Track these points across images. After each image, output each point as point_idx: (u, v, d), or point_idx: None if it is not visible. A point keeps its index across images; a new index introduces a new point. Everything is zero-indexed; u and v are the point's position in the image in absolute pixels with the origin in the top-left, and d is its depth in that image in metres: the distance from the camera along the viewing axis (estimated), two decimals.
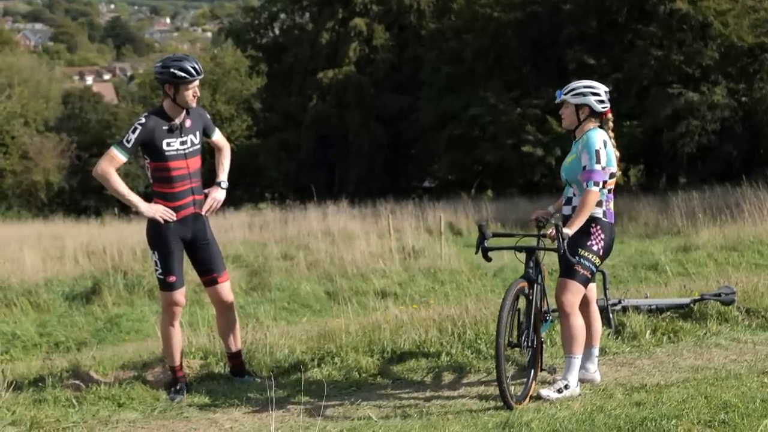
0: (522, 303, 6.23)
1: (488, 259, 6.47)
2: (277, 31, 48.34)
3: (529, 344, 6.19)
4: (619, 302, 8.04)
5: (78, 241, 20.48)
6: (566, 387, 6.17)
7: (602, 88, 6.36)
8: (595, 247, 6.21)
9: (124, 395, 6.61)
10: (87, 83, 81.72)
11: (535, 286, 6.27)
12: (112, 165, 6.43)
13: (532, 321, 6.22)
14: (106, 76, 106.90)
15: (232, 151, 7.15)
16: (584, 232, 6.22)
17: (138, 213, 6.66)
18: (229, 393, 6.68)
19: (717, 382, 6.22)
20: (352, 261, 15.93)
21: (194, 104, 6.53)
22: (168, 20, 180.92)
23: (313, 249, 17.91)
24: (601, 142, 6.21)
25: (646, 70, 32.95)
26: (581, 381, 6.33)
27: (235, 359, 7.07)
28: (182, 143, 6.51)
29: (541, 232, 6.44)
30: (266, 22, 48.00)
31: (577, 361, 6.24)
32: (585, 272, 6.19)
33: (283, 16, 47.86)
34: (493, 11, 37.90)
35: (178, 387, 6.73)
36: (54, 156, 45.57)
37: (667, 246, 15.74)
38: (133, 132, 6.42)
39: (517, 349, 6.24)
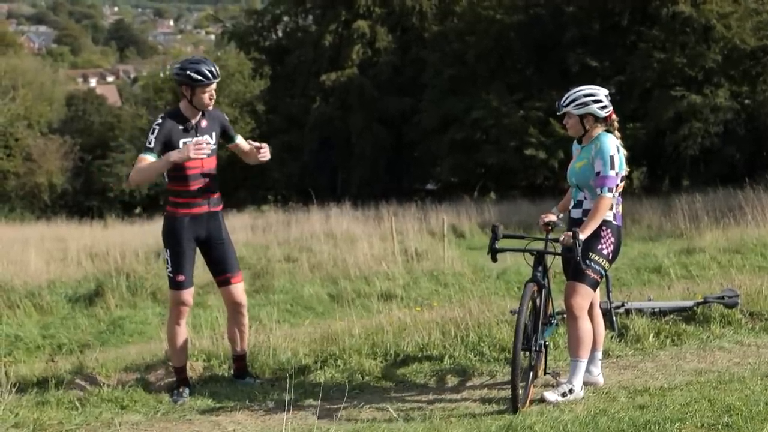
0: (529, 306, 6.23)
1: (494, 260, 6.47)
2: (280, 34, 48.31)
3: (537, 348, 6.21)
4: (623, 305, 8.04)
5: (81, 243, 20.46)
6: (571, 391, 6.16)
7: (603, 92, 6.32)
8: (605, 251, 6.22)
9: (127, 398, 6.61)
10: (90, 85, 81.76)
11: (543, 289, 6.28)
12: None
13: (540, 324, 6.23)
14: (110, 79, 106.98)
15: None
16: (595, 236, 6.22)
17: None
18: (232, 395, 6.69)
19: (720, 386, 6.22)
20: (354, 263, 15.90)
21: (210, 107, 6.62)
22: (171, 23, 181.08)
23: (315, 251, 17.89)
24: (615, 147, 6.20)
25: (648, 73, 32.93)
26: (584, 384, 6.33)
27: (240, 361, 7.09)
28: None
29: (551, 237, 6.45)
30: (269, 25, 47.98)
31: (582, 364, 6.23)
32: (595, 276, 6.20)
33: (286, 18, 47.84)
34: (496, 13, 37.88)
35: (181, 389, 6.73)
36: (57, 158, 45.58)
37: (671, 248, 15.71)
38: (152, 133, 6.51)
39: (525, 352, 6.24)
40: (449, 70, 37.97)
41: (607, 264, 6.24)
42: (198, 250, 6.79)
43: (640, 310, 8.01)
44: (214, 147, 6.71)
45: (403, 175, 42.77)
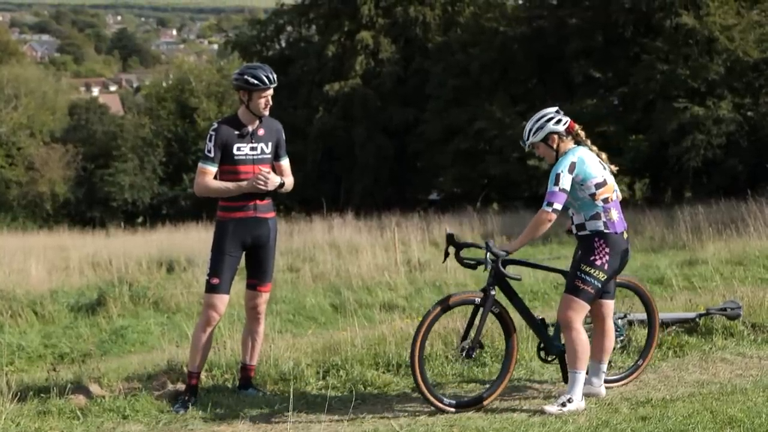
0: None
1: (472, 267, 6.97)
2: (283, 44, 48.35)
3: (473, 351, 6.45)
4: (625, 316, 8.02)
5: (83, 253, 20.50)
6: (570, 401, 6.16)
7: (551, 110, 6.47)
8: (598, 262, 6.21)
9: (128, 407, 6.60)
10: (93, 94, 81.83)
11: (489, 297, 6.64)
12: (206, 177, 6.69)
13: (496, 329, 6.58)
14: (113, 88, 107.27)
15: None
16: (587, 248, 6.25)
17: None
18: (234, 405, 6.68)
19: (723, 397, 6.21)
20: (357, 273, 15.91)
21: (266, 112, 6.72)
22: (174, 32, 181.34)
23: (318, 261, 17.91)
24: (567, 164, 6.26)
25: (652, 84, 32.93)
26: (586, 395, 6.32)
27: (246, 371, 7.09)
28: (252, 149, 6.72)
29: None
30: (272, 35, 48.02)
31: (581, 376, 6.24)
32: (588, 289, 6.20)
33: (289, 28, 47.89)
34: (500, 25, 37.95)
35: (187, 397, 6.72)
36: (60, 167, 45.66)
37: (673, 260, 15.68)
38: (210, 140, 6.66)
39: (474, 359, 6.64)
40: (453, 81, 38.02)
41: (602, 275, 6.23)
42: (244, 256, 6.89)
43: (642, 322, 8.00)
44: (269, 156, 6.81)
45: (406, 186, 42.81)
